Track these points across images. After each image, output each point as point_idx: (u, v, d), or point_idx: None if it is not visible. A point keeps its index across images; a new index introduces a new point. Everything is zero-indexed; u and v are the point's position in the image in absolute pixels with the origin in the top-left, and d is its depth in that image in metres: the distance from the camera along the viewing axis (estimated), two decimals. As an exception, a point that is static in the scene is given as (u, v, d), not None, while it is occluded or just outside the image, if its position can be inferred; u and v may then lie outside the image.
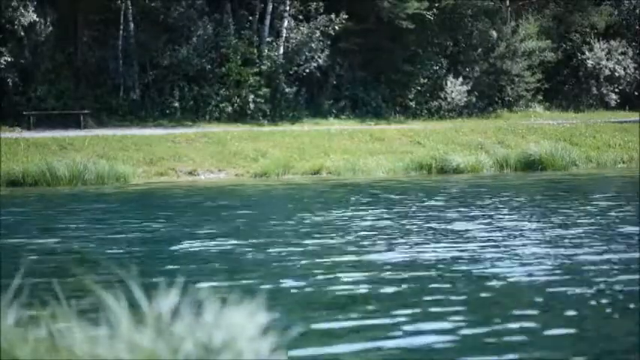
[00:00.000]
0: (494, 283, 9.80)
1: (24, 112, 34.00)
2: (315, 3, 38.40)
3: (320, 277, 10.24)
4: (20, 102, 34.55)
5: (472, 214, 16.61)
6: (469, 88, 41.01)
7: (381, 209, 17.87)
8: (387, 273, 10.47)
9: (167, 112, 36.39)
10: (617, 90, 45.63)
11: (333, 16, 38.00)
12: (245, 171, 28.11)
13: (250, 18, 38.18)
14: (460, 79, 40.90)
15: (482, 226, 14.66)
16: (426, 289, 9.53)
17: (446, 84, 40.69)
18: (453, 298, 9.06)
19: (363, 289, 9.53)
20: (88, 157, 26.84)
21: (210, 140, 30.55)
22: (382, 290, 9.42)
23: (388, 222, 15.64)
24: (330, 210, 17.68)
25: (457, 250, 12.08)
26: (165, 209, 19.06)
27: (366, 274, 10.49)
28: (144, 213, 18.28)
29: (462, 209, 17.47)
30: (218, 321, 3.48)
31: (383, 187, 23.65)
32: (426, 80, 40.85)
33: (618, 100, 45.52)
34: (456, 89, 40.59)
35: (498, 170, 29.00)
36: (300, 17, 38.62)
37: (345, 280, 10.05)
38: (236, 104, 36.82)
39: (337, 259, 11.65)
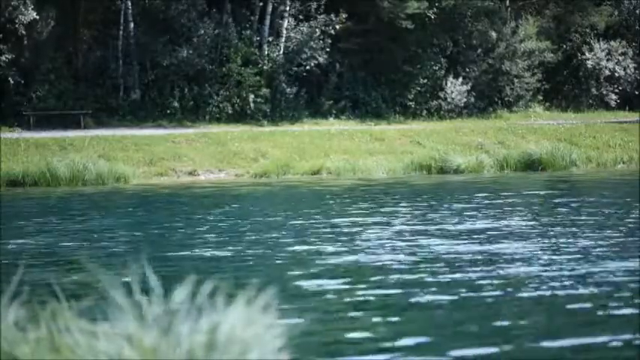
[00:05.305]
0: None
1: (24, 112, 33.98)
2: (315, 2, 38.37)
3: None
4: (20, 102, 34.53)
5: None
6: (469, 88, 40.96)
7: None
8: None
9: (167, 112, 36.33)
10: (617, 90, 45.56)
11: (333, 15, 37.99)
12: (245, 171, 28.09)
13: (251, 18, 38.15)
14: (460, 79, 40.85)
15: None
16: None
17: (446, 84, 40.64)
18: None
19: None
20: (88, 157, 26.78)
21: (210, 140, 30.52)
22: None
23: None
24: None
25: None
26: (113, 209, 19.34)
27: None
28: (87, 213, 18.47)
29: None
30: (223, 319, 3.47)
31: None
32: (425, 80, 40.78)
33: (618, 101, 45.44)
34: (455, 89, 40.53)
35: (498, 170, 28.95)
36: (301, 17, 38.60)
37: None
38: (236, 104, 36.78)
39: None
